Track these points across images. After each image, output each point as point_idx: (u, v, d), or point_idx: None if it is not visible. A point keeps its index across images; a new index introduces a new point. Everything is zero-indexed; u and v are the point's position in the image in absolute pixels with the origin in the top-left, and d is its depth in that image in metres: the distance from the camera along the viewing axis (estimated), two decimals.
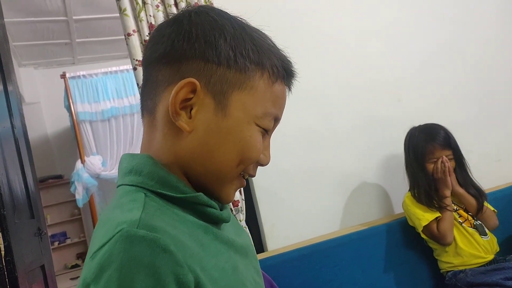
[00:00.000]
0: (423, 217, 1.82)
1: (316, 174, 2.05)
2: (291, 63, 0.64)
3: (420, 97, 2.27)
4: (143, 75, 0.65)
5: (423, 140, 1.84)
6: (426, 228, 1.81)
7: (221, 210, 0.65)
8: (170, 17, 0.62)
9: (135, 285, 0.44)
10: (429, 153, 1.82)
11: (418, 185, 1.86)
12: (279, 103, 0.63)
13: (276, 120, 0.64)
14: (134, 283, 0.44)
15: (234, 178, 0.62)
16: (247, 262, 0.65)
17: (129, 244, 0.46)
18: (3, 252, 1.74)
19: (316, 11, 2.16)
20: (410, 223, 1.91)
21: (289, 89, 0.66)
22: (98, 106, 4.84)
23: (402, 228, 1.98)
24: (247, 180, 1.98)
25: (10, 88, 2.37)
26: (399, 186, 2.05)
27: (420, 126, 1.91)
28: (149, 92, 0.62)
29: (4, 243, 1.73)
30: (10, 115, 2.30)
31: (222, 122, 0.58)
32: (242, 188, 1.88)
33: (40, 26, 4.79)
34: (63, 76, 4.81)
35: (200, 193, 0.59)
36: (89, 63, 6.00)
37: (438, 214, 1.80)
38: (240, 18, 0.63)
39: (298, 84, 2.09)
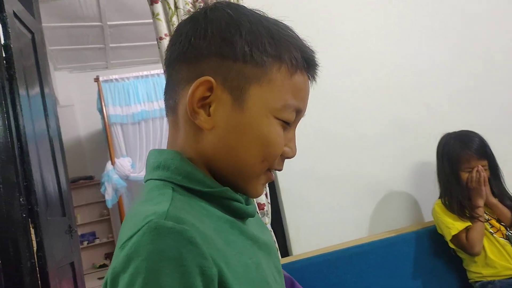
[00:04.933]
0: (453, 226, 1.77)
1: (343, 178, 2.03)
2: (312, 52, 0.63)
3: (450, 103, 2.22)
4: (165, 75, 0.66)
5: (458, 148, 1.80)
6: (455, 238, 1.77)
7: (246, 205, 0.65)
8: (188, 15, 0.63)
9: (161, 276, 0.45)
10: (464, 162, 1.78)
11: (450, 193, 1.82)
12: (301, 95, 0.62)
13: (299, 112, 0.63)
14: (161, 274, 0.45)
15: (260, 174, 0.62)
16: (269, 259, 0.65)
17: (157, 236, 0.47)
18: (35, 248, 1.80)
19: (342, 14, 2.15)
20: (439, 231, 1.87)
21: (313, 79, 0.65)
22: (129, 109, 4.95)
23: (431, 236, 1.93)
24: (272, 184, 1.98)
25: (46, 90, 2.46)
26: (429, 193, 2.01)
27: (454, 133, 1.86)
28: (170, 91, 0.63)
29: (36, 238, 1.79)
30: (46, 116, 2.38)
31: (240, 117, 0.58)
32: (268, 192, 1.89)
33: (76, 31, 4.95)
34: (96, 79, 4.94)
35: (227, 188, 0.59)
36: (121, 68, 6.14)
37: (468, 224, 1.75)
38: (258, 11, 0.62)
39: (324, 87, 2.08)
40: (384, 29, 2.20)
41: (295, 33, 0.62)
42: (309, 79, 0.64)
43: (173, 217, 0.49)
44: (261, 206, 1.87)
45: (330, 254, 1.83)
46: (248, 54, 0.57)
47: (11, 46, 1.88)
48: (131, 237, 0.48)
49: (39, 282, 1.77)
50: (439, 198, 1.89)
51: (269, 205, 1.90)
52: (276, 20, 0.62)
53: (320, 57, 2.09)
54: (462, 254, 1.83)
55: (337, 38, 2.12)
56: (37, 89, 2.33)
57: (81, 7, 4.36)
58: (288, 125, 0.62)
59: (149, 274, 0.45)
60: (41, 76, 2.42)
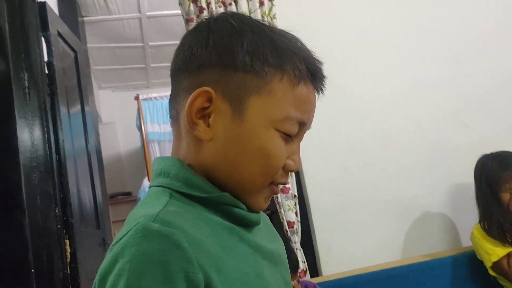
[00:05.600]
0: (493, 252, 1.69)
1: (376, 199, 1.98)
2: (319, 64, 0.61)
3: (489, 123, 2.14)
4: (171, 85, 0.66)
5: (497, 169, 1.73)
6: (496, 264, 1.68)
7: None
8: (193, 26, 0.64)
9: (143, 279, 0.45)
10: (504, 183, 1.71)
11: (491, 216, 1.74)
12: (304, 107, 0.60)
13: (302, 124, 0.60)
14: (143, 276, 0.45)
15: (263, 188, 0.60)
16: (275, 270, 0.63)
17: (143, 238, 0.47)
18: (68, 259, 1.84)
19: (378, 34, 2.13)
20: (479, 257, 1.78)
21: (320, 91, 0.62)
22: (166, 126, 5.05)
23: (470, 262, 1.85)
24: (303, 204, 1.96)
25: (87, 108, 2.56)
26: (468, 217, 1.92)
27: (492, 153, 1.80)
28: (173, 101, 0.63)
29: (70, 250, 1.84)
30: (85, 132, 2.47)
31: (240, 128, 0.57)
32: (298, 210, 1.86)
33: (119, 52, 5.14)
34: (136, 98, 5.10)
35: (226, 193, 0.58)
36: (162, 87, 6.31)
37: (510, 249, 1.66)
38: (264, 22, 0.62)
39: (360, 107, 2.05)
40: (421, 50, 2.17)
41: (302, 44, 0.61)
42: (316, 91, 0.62)
43: (161, 220, 0.49)
44: (290, 224, 1.85)
45: (362, 276, 1.78)
46: (249, 64, 0.56)
47: (54, 63, 1.97)
48: (120, 239, 0.49)
49: None
50: (478, 222, 1.80)
51: (299, 224, 1.87)
52: (283, 31, 0.61)
53: (356, 78, 2.06)
54: (503, 282, 1.73)
55: (376, 58, 2.11)
56: (77, 106, 2.43)
57: (124, 29, 4.54)
58: (291, 137, 0.60)
59: (132, 276, 0.45)
60: (82, 94, 2.51)
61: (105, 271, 0.47)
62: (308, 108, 0.61)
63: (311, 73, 0.60)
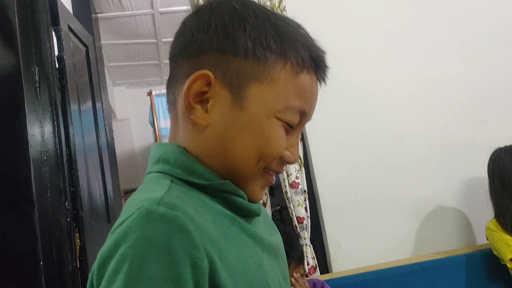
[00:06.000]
0: None
1: (387, 196, 1.96)
2: (322, 53, 0.59)
3: (504, 119, 2.09)
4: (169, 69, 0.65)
5: (510, 162, 1.69)
6: None
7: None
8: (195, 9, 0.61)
9: (147, 264, 0.43)
10: None
11: (504, 212, 1.70)
12: (306, 96, 0.57)
13: (303, 114, 0.58)
14: (147, 262, 0.43)
15: (257, 175, 0.58)
16: (274, 262, 0.61)
17: (147, 222, 0.45)
18: (78, 253, 1.84)
19: (390, 29, 2.10)
20: (495, 253, 1.73)
21: (322, 81, 0.60)
22: None
23: (485, 260, 1.81)
24: (313, 201, 1.93)
25: (98, 105, 2.57)
26: (483, 214, 1.88)
27: (505, 147, 1.76)
28: (171, 85, 0.62)
29: (79, 243, 1.84)
30: (96, 128, 2.48)
31: (239, 116, 0.55)
32: (308, 206, 1.84)
33: (133, 48, 5.17)
34: (149, 93, 5.12)
35: (227, 181, 0.56)
36: None
37: None
38: (268, 7, 0.60)
39: (369, 103, 2.02)
40: (436, 45, 2.12)
41: (306, 32, 0.59)
42: (318, 80, 0.60)
43: (166, 203, 0.47)
44: (300, 220, 1.83)
45: (372, 274, 1.75)
46: (251, 50, 0.55)
47: (64, 58, 1.98)
48: (122, 223, 0.47)
49: (80, 285, 1.81)
50: (494, 217, 1.76)
51: (309, 220, 1.85)
52: (287, 18, 0.59)
53: (368, 74, 2.03)
54: None
55: (389, 54, 2.07)
56: (89, 101, 2.43)
57: (137, 25, 4.56)
58: (291, 128, 0.58)
59: (135, 262, 0.43)
60: (94, 89, 2.52)
61: (106, 256, 0.45)
62: (310, 98, 0.59)
63: (314, 62, 0.58)
